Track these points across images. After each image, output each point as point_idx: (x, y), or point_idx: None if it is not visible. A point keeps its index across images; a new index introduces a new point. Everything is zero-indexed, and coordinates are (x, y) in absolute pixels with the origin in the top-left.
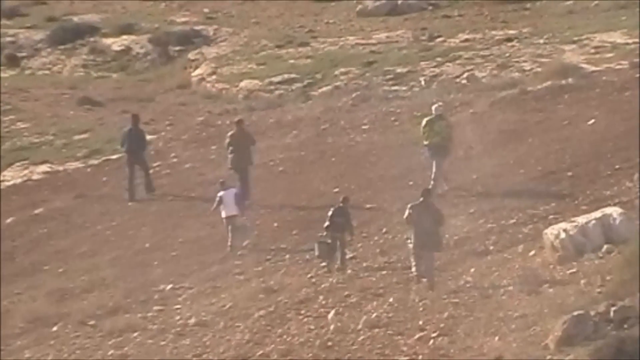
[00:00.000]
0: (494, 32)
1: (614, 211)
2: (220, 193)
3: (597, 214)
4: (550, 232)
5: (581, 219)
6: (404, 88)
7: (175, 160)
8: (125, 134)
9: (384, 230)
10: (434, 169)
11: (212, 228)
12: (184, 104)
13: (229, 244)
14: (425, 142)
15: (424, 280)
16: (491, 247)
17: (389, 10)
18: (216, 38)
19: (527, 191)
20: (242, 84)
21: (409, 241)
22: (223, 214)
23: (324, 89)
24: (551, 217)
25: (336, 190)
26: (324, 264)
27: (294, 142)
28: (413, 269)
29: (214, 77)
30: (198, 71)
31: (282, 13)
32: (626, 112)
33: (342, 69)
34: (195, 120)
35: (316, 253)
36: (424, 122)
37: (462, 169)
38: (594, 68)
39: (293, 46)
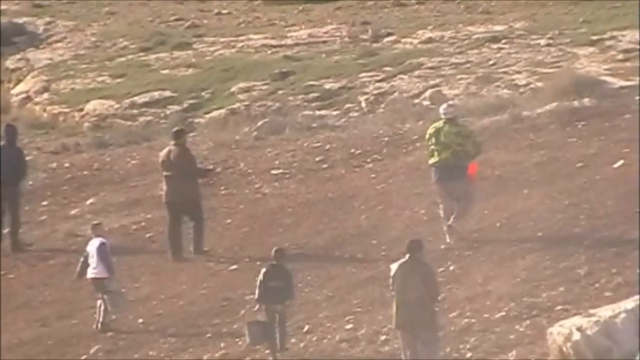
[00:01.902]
0: (471, 28)
1: None
2: (88, 247)
3: (629, 303)
4: (557, 331)
5: (605, 312)
6: (335, 113)
7: None
8: None
9: (306, 328)
10: (440, 200)
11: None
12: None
13: (99, 319)
14: (431, 161)
15: None
16: (469, 355)
17: None
18: (49, 37)
19: (522, 269)
20: (89, 106)
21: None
22: (88, 275)
23: (214, 113)
24: (559, 308)
25: (233, 267)
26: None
27: None
28: None
29: (45, 95)
30: (21, 87)
31: None
32: None
33: (242, 84)
34: None
35: (247, 339)
36: (429, 130)
37: (423, 234)
38: (622, 82)
39: (166, 49)
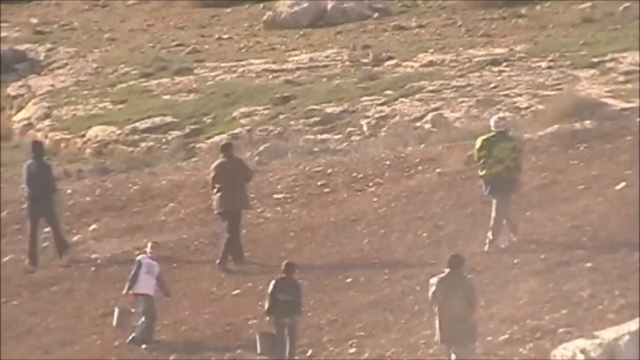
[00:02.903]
0: (472, 52)
1: None
2: (140, 256)
3: (632, 325)
4: (561, 354)
5: (608, 334)
6: (336, 137)
7: None
8: (27, 172)
9: (310, 352)
10: (493, 213)
11: None
12: (2, 164)
13: (131, 336)
14: (481, 173)
15: None
16: None
17: (313, 18)
18: (50, 63)
19: (525, 291)
20: (91, 132)
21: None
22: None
23: (216, 138)
24: (562, 330)
25: (236, 292)
26: None
27: (171, 220)
28: None
29: (47, 122)
30: (23, 113)
31: (151, 24)
32: None
33: (243, 109)
34: (19, 191)
35: (258, 350)
36: (478, 142)
37: (425, 258)
38: (623, 105)
39: (167, 74)
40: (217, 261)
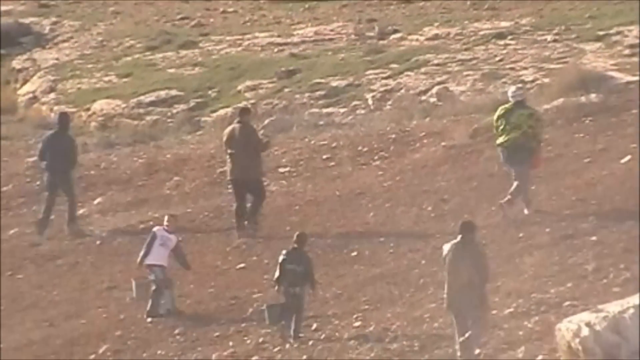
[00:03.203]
0: (477, 25)
1: None
2: (156, 228)
3: (637, 298)
4: (565, 327)
5: (613, 307)
6: (342, 110)
7: None
8: (47, 142)
9: (315, 325)
10: (514, 181)
11: None
12: (6, 137)
13: (147, 308)
14: (499, 141)
15: None
16: (477, 351)
17: None
18: (55, 36)
19: (530, 265)
20: (96, 105)
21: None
22: (147, 261)
23: (221, 112)
24: (567, 304)
25: (241, 265)
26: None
27: (176, 194)
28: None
29: (52, 95)
30: (28, 87)
31: None
32: None
33: (248, 82)
34: (23, 164)
35: (267, 321)
36: (497, 112)
37: (430, 232)
38: (629, 78)
39: (173, 48)
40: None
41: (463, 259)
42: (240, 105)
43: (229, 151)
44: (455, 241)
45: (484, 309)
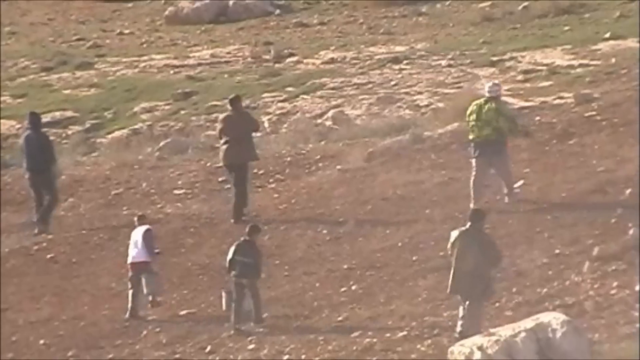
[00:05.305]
0: (373, 49)
1: (554, 319)
2: (133, 236)
3: (528, 322)
4: (458, 350)
5: (505, 331)
6: None
7: None
8: (22, 143)
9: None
10: (474, 173)
11: None
12: None
13: (129, 305)
14: (471, 137)
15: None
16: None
17: (215, 15)
18: None
19: (424, 288)
20: None
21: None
22: (129, 261)
23: (117, 133)
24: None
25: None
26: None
27: (70, 215)
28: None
29: None
30: None
31: (52, 18)
32: (571, 167)
33: (145, 104)
34: None
35: (223, 307)
36: (471, 107)
37: (326, 254)
38: (522, 104)
39: (68, 69)
40: (232, 220)
41: (471, 246)
42: (132, 129)
43: (223, 138)
44: (463, 228)
45: (488, 293)
